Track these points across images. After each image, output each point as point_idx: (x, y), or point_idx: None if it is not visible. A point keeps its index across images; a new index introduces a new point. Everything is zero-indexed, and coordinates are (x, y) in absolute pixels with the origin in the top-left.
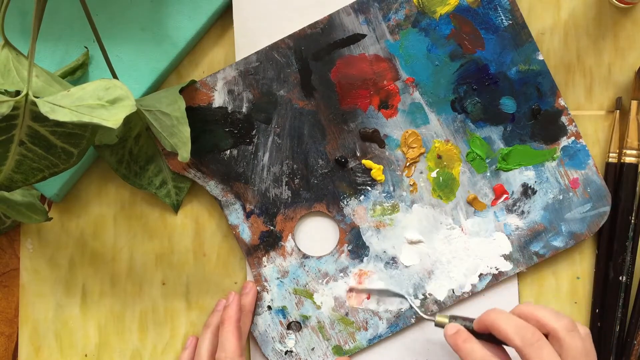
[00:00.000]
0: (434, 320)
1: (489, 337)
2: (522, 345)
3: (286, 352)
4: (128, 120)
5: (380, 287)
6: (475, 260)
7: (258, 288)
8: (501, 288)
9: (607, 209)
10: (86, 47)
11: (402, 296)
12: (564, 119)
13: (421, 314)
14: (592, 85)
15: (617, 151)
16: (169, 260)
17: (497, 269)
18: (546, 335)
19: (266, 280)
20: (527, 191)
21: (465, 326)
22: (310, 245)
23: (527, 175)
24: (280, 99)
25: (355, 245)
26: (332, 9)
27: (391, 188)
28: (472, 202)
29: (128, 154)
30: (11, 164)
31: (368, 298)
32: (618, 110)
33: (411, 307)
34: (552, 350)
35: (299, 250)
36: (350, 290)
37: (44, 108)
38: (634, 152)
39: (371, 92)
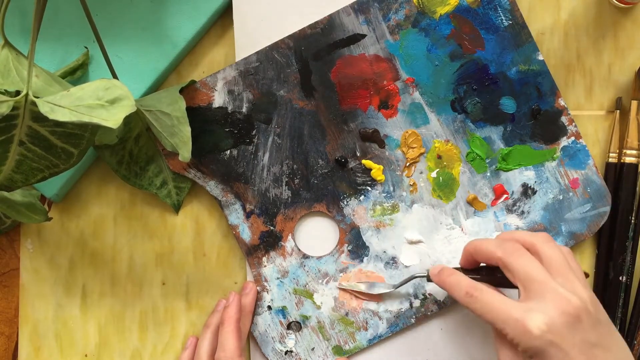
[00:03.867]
0: (426, 276)
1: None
2: (502, 255)
3: (286, 352)
4: (128, 120)
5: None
6: None
7: (258, 288)
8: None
9: (607, 209)
10: (86, 47)
11: (396, 287)
12: (564, 119)
13: (416, 275)
14: (592, 85)
15: (617, 151)
16: (169, 260)
17: None
18: None
19: (266, 280)
20: (527, 191)
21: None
22: (310, 245)
23: (527, 175)
24: (280, 99)
25: (355, 245)
26: (332, 9)
27: (391, 188)
28: (472, 202)
29: (128, 155)
30: (11, 164)
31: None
32: (618, 110)
33: (411, 304)
34: (532, 257)
35: (299, 250)
36: (341, 285)
37: (44, 108)
38: (634, 152)
39: (371, 92)
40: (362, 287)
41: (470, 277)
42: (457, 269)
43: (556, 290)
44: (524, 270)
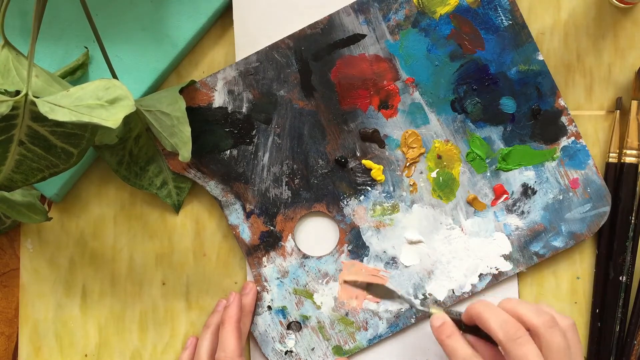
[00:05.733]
0: (428, 312)
1: (479, 330)
2: (504, 339)
3: (286, 352)
4: (128, 121)
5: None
6: (475, 261)
7: (258, 288)
8: (501, 288)
9: (607, 209)
10: (86, 47)
11: (397, 296)
12: (564, 119)
13: (417, 306)
14: (592, 85)
15: (617, 151)
16: (169, 260)
17: (497, 269)
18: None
19: (266, 280)
20: (527, 191)
21: (456, 319)
22: (310, 245)
23: (527, 175)
24: (280, 99)
25: (355, 245)
26: (332, 9)
27: (391, 188)
28: (472, 202)
29: (128, 155)
30: (11, 164)
31: (363, 295)
32: (618, 110)
33: (410, 306)
34: (534, 347)
35: (299, 250)
36: (345, 282)
37: (44, 108)
38: (634, 152)
39: (371, 92)
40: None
41: (471, 333)
42: (458, 320)
43: None
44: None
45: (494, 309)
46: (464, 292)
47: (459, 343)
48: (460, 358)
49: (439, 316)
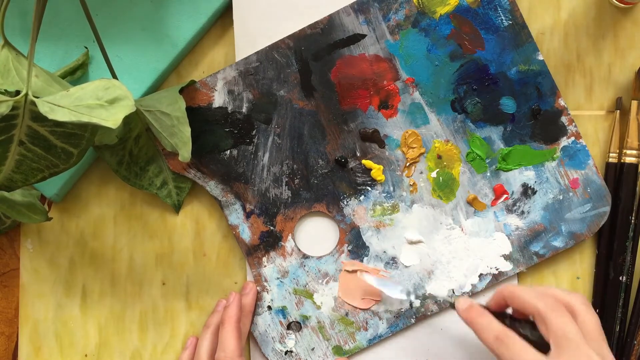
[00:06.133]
0: (451, 302)
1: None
2: (544, 309)
3: (286, 352)
4: (128, 121)
5: (383, 285)
6: (475, 261)
7: (258, 288)
8: None
9: (607, 209)
10: (86, 47)
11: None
12: (564, 119)
13: (443, 297)
14: (592, 85)
15: (617, 151)
16: (169, 260)
17: (497, 269)
18: None
19: (266, 281)
20: (527, 191)
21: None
22: (310, 245)
23: (527, 175)
24: (280, 99)
25: (355, 245)
26: (332, 9)
27: (391, 188)
28: (472, 202)
29: (128, 155)
30: (11, 164)
31: (375, 296)
32: (618, 110)
33: (411, 304)
34: (571, 319)
35: (299, 250)
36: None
37: (44, 108)
38: (634, 152)
39: (371, 92)
40: (374, 282)
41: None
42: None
43: (589, 356)
44: (562, 328)
45: (526, 288)
46: (464, 292)
47: (493, 319)
48: (496, 331)
49: (465, 299)
